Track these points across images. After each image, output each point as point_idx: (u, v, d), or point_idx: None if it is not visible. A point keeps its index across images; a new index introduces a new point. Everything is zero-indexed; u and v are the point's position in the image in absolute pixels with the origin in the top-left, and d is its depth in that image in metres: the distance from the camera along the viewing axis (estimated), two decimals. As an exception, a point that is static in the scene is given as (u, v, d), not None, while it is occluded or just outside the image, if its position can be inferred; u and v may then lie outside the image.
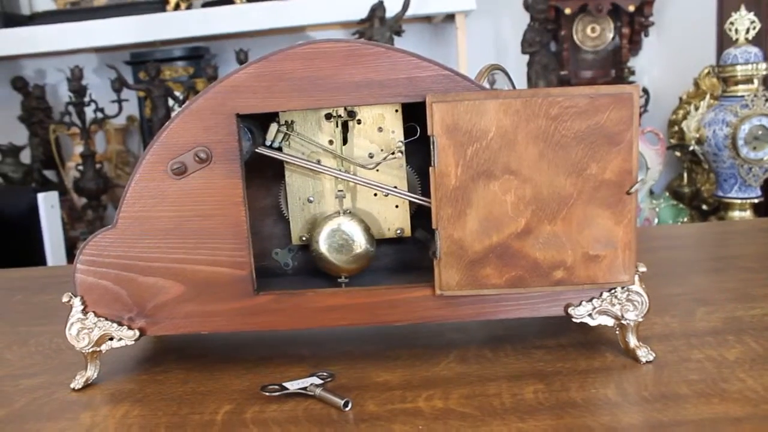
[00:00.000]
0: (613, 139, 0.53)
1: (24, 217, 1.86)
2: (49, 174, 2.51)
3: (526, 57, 2.21)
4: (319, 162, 0.63)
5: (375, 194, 0.65)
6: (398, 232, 0.65)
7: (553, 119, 0.53)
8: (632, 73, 2.32)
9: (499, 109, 0.53)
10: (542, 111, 0.53)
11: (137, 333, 0.59)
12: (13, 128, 2.49)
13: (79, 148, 2.35)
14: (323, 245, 0.62)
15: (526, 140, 0.53)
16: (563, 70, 2.30)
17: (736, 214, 1.93)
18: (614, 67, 2.34)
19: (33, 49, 2.26)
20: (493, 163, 0.53)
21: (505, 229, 0.54)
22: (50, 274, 1.14)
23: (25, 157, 2.47)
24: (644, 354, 0.57)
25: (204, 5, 2.30)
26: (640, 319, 0.57)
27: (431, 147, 0.53)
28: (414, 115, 0.62)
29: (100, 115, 2.21)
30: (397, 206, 0.65)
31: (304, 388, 0.54)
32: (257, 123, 0.62)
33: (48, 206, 1.87)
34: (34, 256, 1.87)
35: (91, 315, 0.59)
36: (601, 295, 0.57)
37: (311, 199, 0.65)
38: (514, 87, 0.82)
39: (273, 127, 0.61)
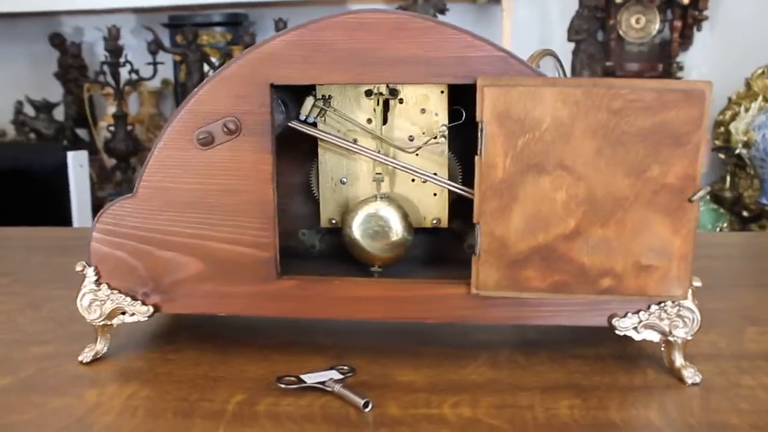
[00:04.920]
0: (679, 139, 0.48)
1: (53, 175, 1.85)
2: (81, 133, 2.50)
3: (572, 45, 2.14)
4: (355, 141, 0.60)
5: (413, 180, 0.61)
6: (435, 222, 0.62)
7: (615, 113, 0.48)
8: (681, 68, 2.24)
9: (556, 98, 0.48)
10: (604, 103, 0.48)
11: (151, 309, 0.56)
12: (49, 84, 2.48)
13: (112, 109, 2.34)
14: (357, 231, 0.58)
15: (584, 134, 0.48)
16: (609, 61, 2.22)
17: (779, 223, 1.86)
18: (662, 61, 2.25)
19: (72, 6, 2.24)
20: (546, 157, 0.49)
21: (552, 229, 0.50)
22: (73, 235, 1.12)
23: (59, 114, 2.46)
24: (690, 375, 0.53)
25: (246, -29, 2.26)
26: (689, 338, 0.53)
27: (479, 134, 0.49)
28: (460, 98, 0.58)
29: (134, 76, 2.19)
30: (435, 194, 0.61)
31: (323, 383, 0.51)
32: (292, 95, 0.58)
33: (77, 165, 1.85)
34: (61, 215, 1.86)
35: (104, 287, 0.56)
36: (648, 307, 0.53)
37: (344, 180, 0.61)
38: (566, 76, 0.77)
39: (309, 101, 0.58)
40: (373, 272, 0.60)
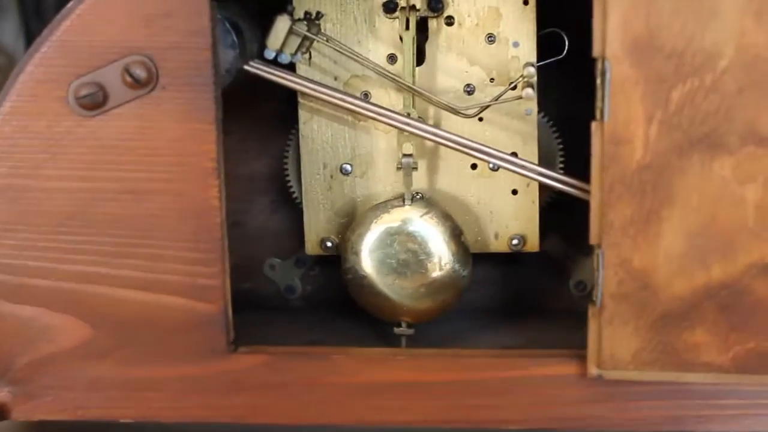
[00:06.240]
0: None
1: None
2: None
3: None
4: (367, 97, 0.61)
5: (473, 166, 0.62)
6: (516, 242, 0.63)
7: None
8: None
9: (742, 9, 0.48)
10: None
11: (-5, 413, 0.57)
12: None
13: None
14: (370, 261, 0.59)
15: (796, 79, 0.49)
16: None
17: None
18: None
19: None
20: (725, 121, 0.49)
21: (739, 256, 0.50)
22: None
23: None
24: None
25: None
26: None
27: (598, 82, 0.50)
28: (560, 16, 0.59)
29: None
30: (515, 192, 0.62)
31: None
32: (250, 15, 0.60)
33: None
34: None
35: None
36: None
37: (347, 168, 0.63)
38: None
39: (281, 24, 0.58)
40: (400, 335, 0.60)
